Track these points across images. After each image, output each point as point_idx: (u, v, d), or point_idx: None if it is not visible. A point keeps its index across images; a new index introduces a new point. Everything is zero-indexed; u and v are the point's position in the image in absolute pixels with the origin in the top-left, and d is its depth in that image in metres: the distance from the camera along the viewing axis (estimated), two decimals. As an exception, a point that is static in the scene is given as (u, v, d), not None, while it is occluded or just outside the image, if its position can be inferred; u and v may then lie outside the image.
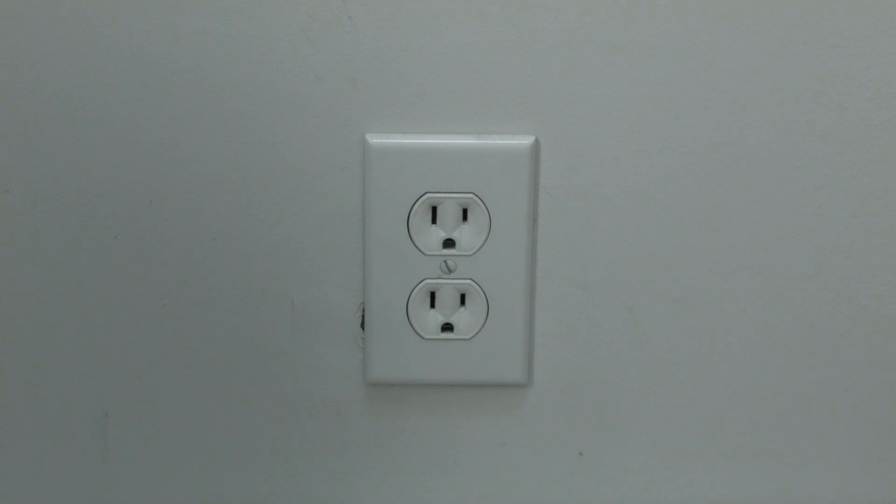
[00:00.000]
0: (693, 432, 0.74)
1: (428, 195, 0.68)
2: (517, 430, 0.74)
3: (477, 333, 0.71)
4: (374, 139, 0.68)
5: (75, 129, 0.68)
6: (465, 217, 0.69)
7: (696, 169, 0.69)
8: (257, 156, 0.69)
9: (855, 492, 0.74)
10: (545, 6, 0.66)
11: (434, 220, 0.69)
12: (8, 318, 0.71)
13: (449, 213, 0.69)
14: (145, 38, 0.67)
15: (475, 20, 0.66)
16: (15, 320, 0.71)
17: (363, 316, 0.71)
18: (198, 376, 0.72)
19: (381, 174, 0.68)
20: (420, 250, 0.69)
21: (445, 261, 0.69)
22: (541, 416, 0.73)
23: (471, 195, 0.68)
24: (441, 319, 0.71)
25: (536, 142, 0.68)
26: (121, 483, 0.74)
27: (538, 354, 0.72)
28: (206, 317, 0.71)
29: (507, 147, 0.68)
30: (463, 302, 0.70)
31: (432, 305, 0.70)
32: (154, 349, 0.72)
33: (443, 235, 0.69)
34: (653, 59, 0.67)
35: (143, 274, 0.71)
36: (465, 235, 0.69)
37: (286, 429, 0.73)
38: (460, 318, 0.71)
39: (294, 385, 0.73)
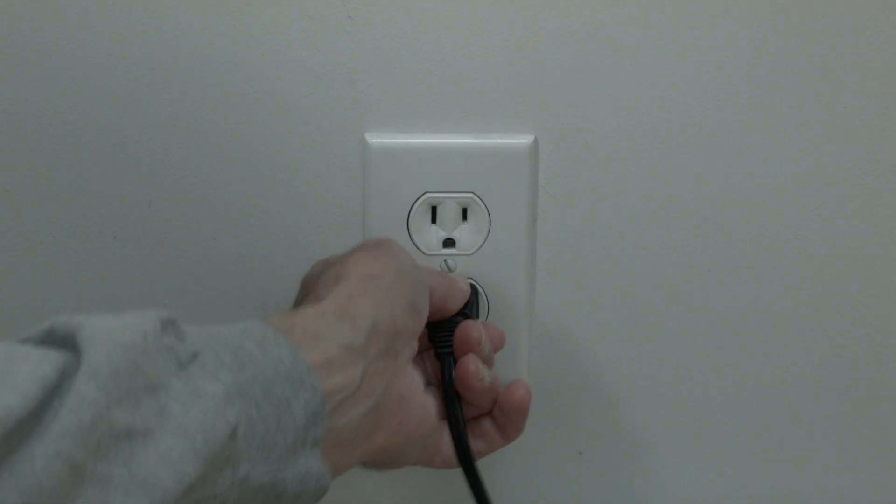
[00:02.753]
0: (693, 432, 0.73)
1: (428, 195, 0.68)
2: (517, 431, 0.73)
3: (477, 333, 0.71)
4: (374, 139, 0.68)
5: (75, 128, 0.68)
6: (464, 217, 0.69)
7: (696, 169, 0.69)
8: (257, 156, 0.69)
9: (855, 492, 0.74)
10: (545, 6, 0.66)
11: (434, 220, 0.69)
12: (8, 318, 0.71)
13: (449, 212, 0.69)
14: (145, 38, 0.67)
15: (475, 20, 0.66)
16: (15, 320, 0.71)
17: (363, 316, 0.71)
18: (198, 376, 0.72)
19: (381, 174, 0.68)
20: (420, 250, 0.69)
21: (445, 260, 0.69)
22: (541, 416, 0.73)
23: (470, 195, 0.68)
24: (441, 319, 0.71)
25: (536, 141, 0.68)
26: (121, 483, 0.74)
27: (538, 354, 0.72)
28: (206, 316, 0.71)
29: (506, 147, 0.68)
30: (463, 302, 0.70)
31: (432, 305, 0.70)
32: (154, 349, 0.72)
33: (443, 235, 0.69)
34: (653, 59, 0.67)
35: (143, 274, 0.71)
36: (465, 235, 0.69)
37: (286, 429, 0.73)
38: (460, 318, 0.71)
39: (294, 385, 0.72)
